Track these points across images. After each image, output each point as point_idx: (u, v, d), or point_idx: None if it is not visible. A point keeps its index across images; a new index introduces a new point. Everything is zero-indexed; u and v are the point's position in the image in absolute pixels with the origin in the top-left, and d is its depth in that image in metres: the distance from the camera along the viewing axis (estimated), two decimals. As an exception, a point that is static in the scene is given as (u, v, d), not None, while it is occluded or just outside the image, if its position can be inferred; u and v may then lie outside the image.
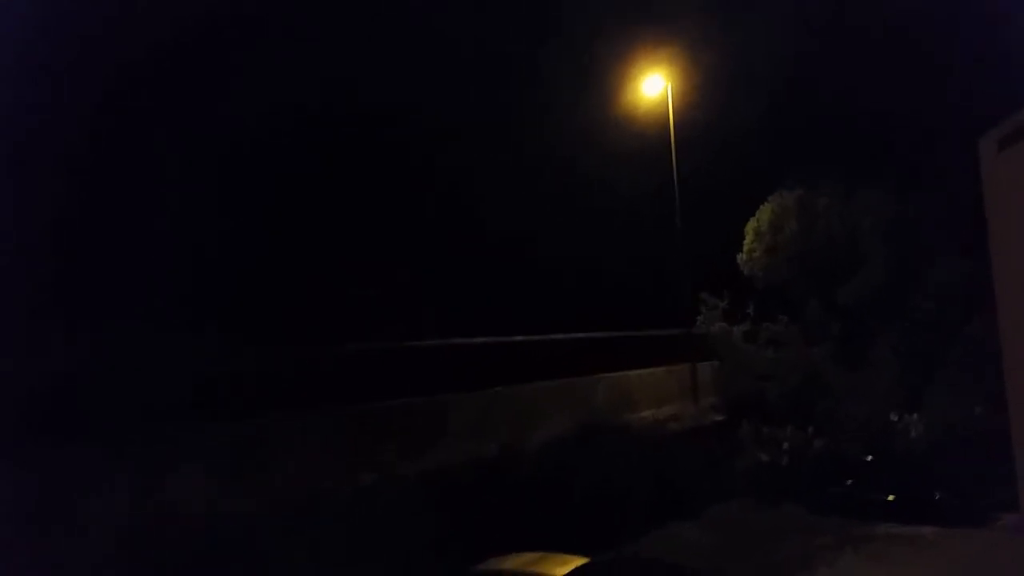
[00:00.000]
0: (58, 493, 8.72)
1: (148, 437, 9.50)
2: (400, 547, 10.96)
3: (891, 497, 15.37)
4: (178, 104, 13.05)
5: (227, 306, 11.64)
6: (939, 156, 19.09)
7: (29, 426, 8.51)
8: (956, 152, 18.34)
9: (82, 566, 8.52)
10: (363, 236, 16.45)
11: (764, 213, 22.18)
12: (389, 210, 17.65)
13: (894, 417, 17.24)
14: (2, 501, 8.22)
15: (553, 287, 20.90)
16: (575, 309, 20.29)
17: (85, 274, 10.71)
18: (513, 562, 10.84)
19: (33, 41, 10.89)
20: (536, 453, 14.97)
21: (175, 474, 9.66)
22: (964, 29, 20.36)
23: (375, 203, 17.33)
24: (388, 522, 11.15)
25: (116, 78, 12.15)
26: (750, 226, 22.42)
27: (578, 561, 10.48)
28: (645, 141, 23.07)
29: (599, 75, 23.38)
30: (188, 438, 10.00)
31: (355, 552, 10.52)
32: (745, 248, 22.34)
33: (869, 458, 16.59)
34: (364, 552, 10.59)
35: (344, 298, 13.28)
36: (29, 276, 10.02)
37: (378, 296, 14.04)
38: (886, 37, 22.52)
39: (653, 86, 22.42)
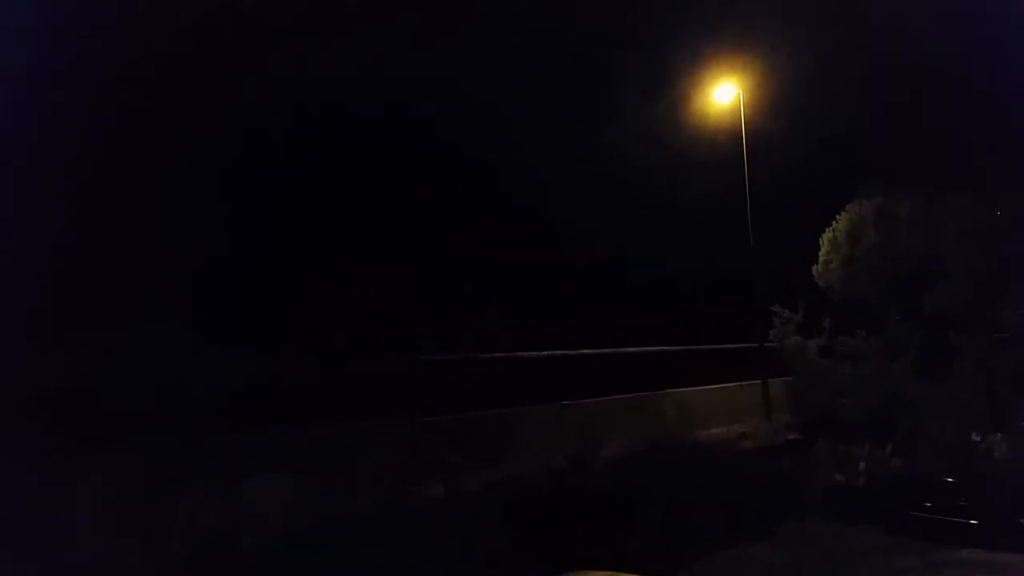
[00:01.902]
0: (137, 501, 9.15)
1: (225, 445, 9.94)
2: (467, 559, 11.13)
3: (974, 521, 14.73)
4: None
5: (300, 315, 12.02)
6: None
7: (99, 434, 8.93)
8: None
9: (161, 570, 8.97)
10: (434, 248, 16.72)
11: (841, 223, 21.53)
12: (458, 221, 17.86)
13: (976, 437, 16.50)
14: (81, 509, 8.69)
15: (623, 299, 20.83)
16: (645, 322, 20.18)
17: (130, 281, 11.08)
18: (579, 579, 10.86)
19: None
20: (604, 468, 14.97)
21: (251, 481, 10.10)
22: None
23: (444, 214, 17.58)
24: (456, 534, 11.34)
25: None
26: (826, 236, 21.80)
27: (645, 581, 10.43)
28: (717, 150, 22.86)
29: (672, 83, 23.30)
30: (263, 446, 10.41)
31: (424, 562, 10.74)
32: (821, 259, 21.72)
33: (950, 479, 15.92)
34: (432, 562, 10.80)
35: (414, 310, 13.57)
36: (76, 283, 10.43)
37: (448, 308, 14.29)
38: (968, 40, 21.70)
39: (725, 94, 22.23)
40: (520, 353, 15.60)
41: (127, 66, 12.45)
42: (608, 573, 11.24)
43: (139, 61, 12.55)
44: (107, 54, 12.22)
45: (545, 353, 16.27)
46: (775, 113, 22.91)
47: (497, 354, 15.00)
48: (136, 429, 9.22)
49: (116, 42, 12.39)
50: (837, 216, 21.63)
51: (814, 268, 21.74)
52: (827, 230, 21.77)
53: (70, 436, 8.68)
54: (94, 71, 12.04)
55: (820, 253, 21.76)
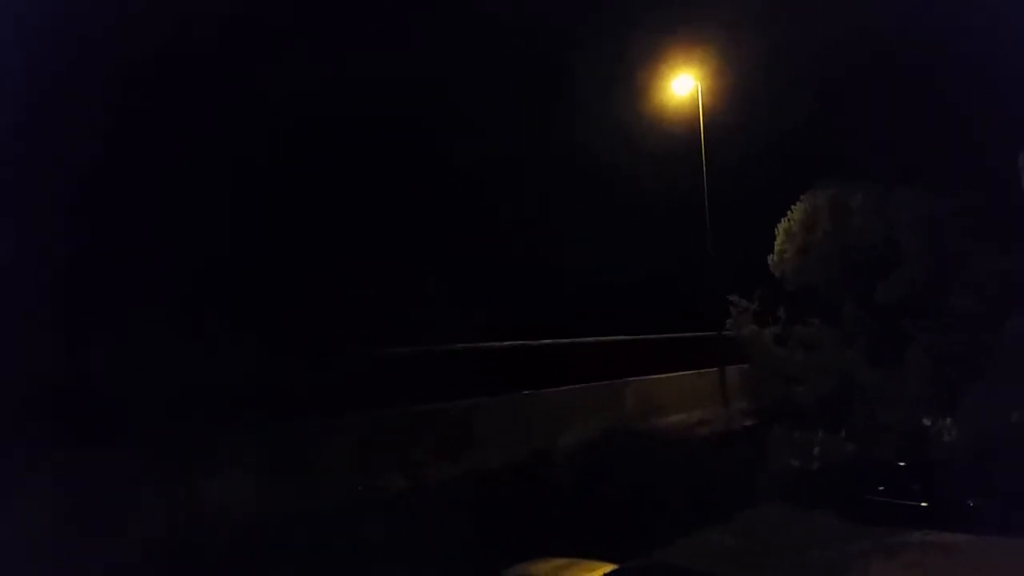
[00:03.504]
0: (98, 495, 8.91)
1: (187, 441, 9.70)
2: (430, 551, 11.05)
3: (925, 504, 15.15)
4: (191, 103, 13.14)
5: (255, 311, 11.79)
6: (976, 153, 18.79)
7: (65, 430, 8.69)
8: (993, 149, 18.08)
9: (123, 566, 8.75)
10: (388, 239, 16.55)
11: (796, 213, 21.89)
12: (413, 212, 17.71)
13: (927, 421, 16.97)
14: (41, 503, 8.43)
15: (580, 289, 20.85)
16: (603, 311, 20.23)
17: (109, 279, 10.88)
18: (541, 568, 10.88)
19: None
20: (565, 458, 15.00)
21: (210, 478, 9.87)
22: (1006, 32, 19.95)
23: (399, 205, 17.41)
24: (418, 527, 11.25)
25: (128, 78, 12.24)
26: (781, 226, 22.14)
27: (607, 567, 10.49)
28: (675, 141, 22.99)
29: (630, 74, 23.34)
30: (224, 441, 10.18)
31: (387, 555, 10.64)
32: (776, 249, 22.07)
33: (902, 463, 16.35)
34: (395, 555, 10.70)
35: (370, 302, 13.39)
36: (58, 282, 10.21)
37: (404, 300, 14.14)
38: (924, 38, 22.17)
39: (683, 86, 22.34)
40: (481, 344, 15.49)
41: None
42: (568, 560, 11.32)
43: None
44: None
45: (506, 343, 16.19)
46: (733, 105, 23.13)
47: (458, 345, 14.88)
48: (91, 424, 8.96)
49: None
50: (792, 207, 21.99)
51: (769, 258, 22.07)
52: (783, 220, 22.12)
53: (23, 431, 8.41)
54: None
55: (775, 243, 22.10)
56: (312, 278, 13.60)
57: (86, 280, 10.49)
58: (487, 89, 19.95)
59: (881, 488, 16.09)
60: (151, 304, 10.35)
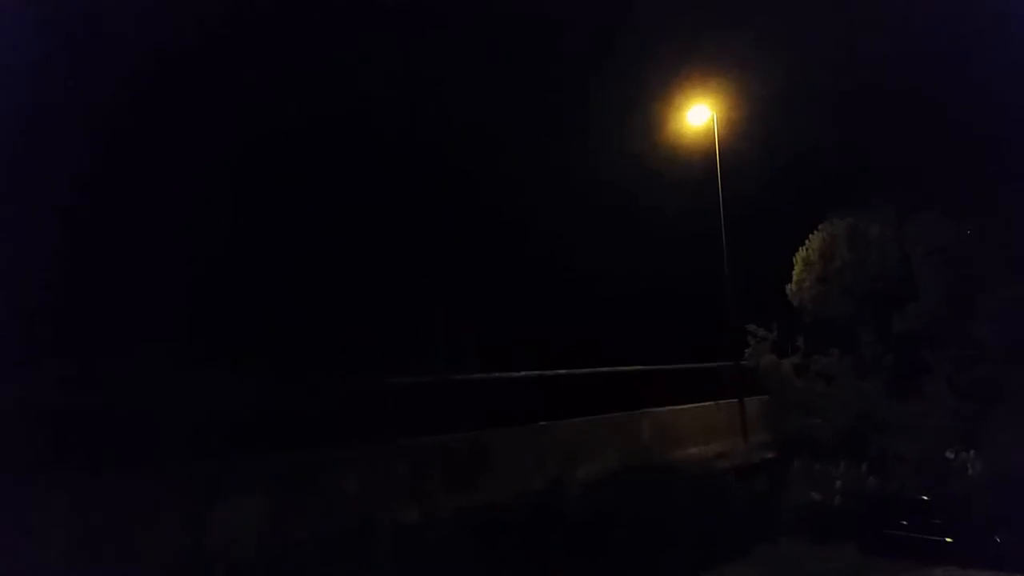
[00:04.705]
0: (109, 522, 8.93)
1: (196, 469, 9.74)
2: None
3: (948, 539, 14.80)
4: (200, 118, 13.29)
5: (267, 336, 11.87)
6: (994, 178, 18.62)
7: (76, 457, 8.76)
8: (1011, 173, 17.91)
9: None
10: (405, 267, 16.63)
11: (814, 242, 21.82)
12: (429, 239, 17.80)
13: (950, 454, 16.64)
14: (53, 529, 8.47)
15: (596, 317, 20.82)
16: (619, 340, 20.16)
17: (115, 303, 10.99)
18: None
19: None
20: (580, 490, 14.85)
21: (222, 506, 9.88)
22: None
23: (416, 232, 17.51)
24: (430, 559, 11.18)
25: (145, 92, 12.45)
26: (799, 256, 22.07)
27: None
28: (692, 169, 23.04)
29: (648, 104, 23.51)
30: (233, 470, 10.19)
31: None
32: (794, 278, 21.97)
33: (924, 497, 16.01)
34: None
35: (385, 330, 13.45)
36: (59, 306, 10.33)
37: (419, 328, 14.19)
38: (941, 64, 22.12)
39: (700, 115, 22.45)
40: (496, 374, 15.46)
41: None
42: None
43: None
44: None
45: (521, 373, 16.14)
46: (749, 134, 23.18)
47: (472, 375, 14.87)
48: (104, 451, 9.02)
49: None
50: (810, 236, 21.89)
51: (788, 287, 21.95)
52: (800, 249, 22.02)
53: (36, 457, 8.49)
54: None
55: (793, 272, 21.99)
56: (325, 304, 13.67)
57: (94, 305, 10.61)
58: (503, 117, 20.13)
59: (903, 522, 15.74)
60: (159, 328, 10.45)
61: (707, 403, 20.79)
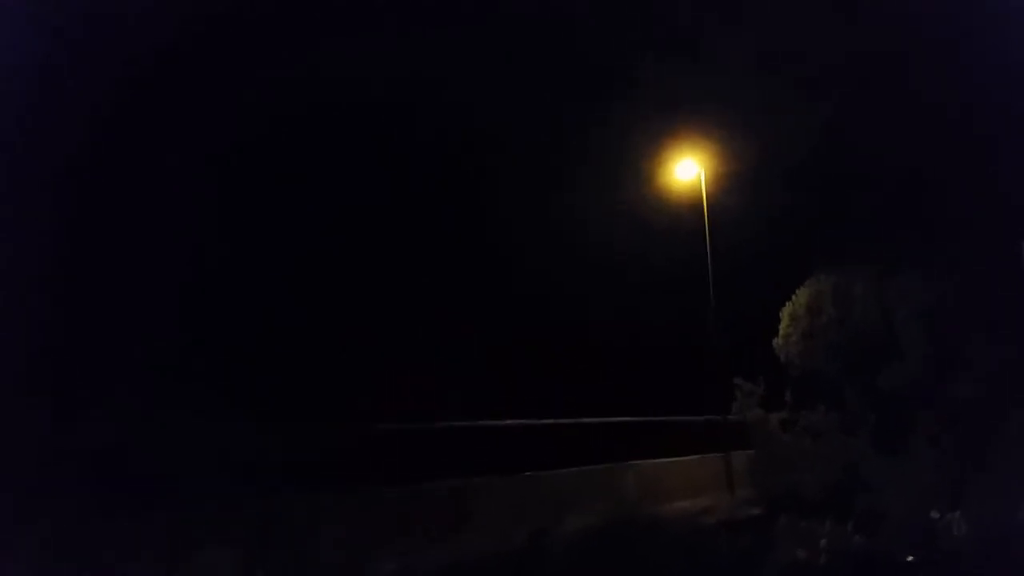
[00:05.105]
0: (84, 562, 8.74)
1: (165, 516, 9.56)
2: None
3: (935, 601, 14.60)
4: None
5: (243, 381, 11.77)
6: (975, 241, 18.88)
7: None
8: (992, 236, 18.17)
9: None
10: (390, 312, 16.63)
11: (800, 297, 21.95)
12: (414, 286, 17.85)
13: (935, 514, 16.50)
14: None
15: (585, 368, 20.80)
16: (607, 392, 20.12)
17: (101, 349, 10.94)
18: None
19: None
20: (565, 545, 14.62)
21: (192, 555, 9.67)
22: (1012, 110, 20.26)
23: (401, 278, 17.56)
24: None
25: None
26: (786, 310, 22.17)
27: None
28: (679, 223, 23.33)
29: (638, 158, 23.90)
30: (205, 518, 10.01)
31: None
32: (781, 332, 22.03)
33: (910, 558, 15.82)
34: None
35: (366, 376, 13.37)
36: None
37: (403, 375, 14.11)
38: (923, 123, 22.61)
39: (687, 170, 22.84)
40: (480, 422, 15.37)
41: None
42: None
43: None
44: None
45: (506, 422, 16.05)
46: (736, 188, 23.55)
47: (456, 422, 14.76)
48: (72, 495, 8.87)
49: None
50: (796, 291, 22.05)
51: (774, 341, 22.01)
52: (787, 304, 22.16)
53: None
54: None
55: (780, 327, 22.07)
56: (303, 347, 13.60)
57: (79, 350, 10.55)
58: (491, 165, 20.40)
59: (890, 583, 15.54)
60: (137, 371, 10.38)
61: (693, 456, 20.68)
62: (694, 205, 22.78)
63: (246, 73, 14.64)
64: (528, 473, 15.59)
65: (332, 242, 15.99)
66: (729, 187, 23.16)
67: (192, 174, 13.29)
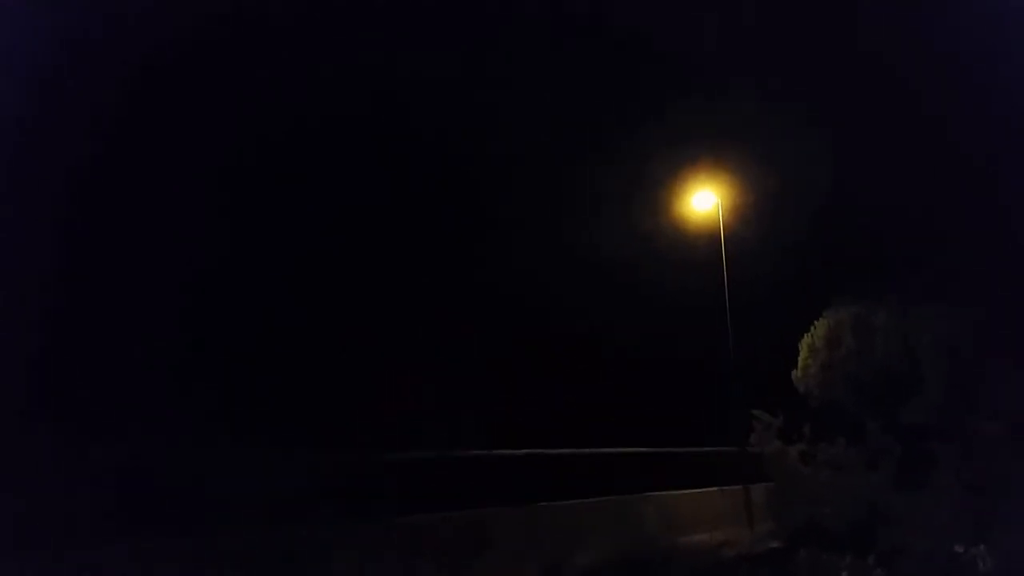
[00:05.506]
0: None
1: (175, 545, 9.59)
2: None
3: (957, 638, 14.27)
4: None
5: (256, 410, 11.81)
6: (997, 272, 18.71)
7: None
8: (1015, 268, 18.01)
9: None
10: (407, 340, 16.68)
11: (819, 328, 21.83)
12: (430, 314, 17.90)
13: (959, 549, 16.18)
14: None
15: (603, 399, 20.73)
16: (625, 422, 20.03)
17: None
18: None
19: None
20: (581, 578, 14.49)
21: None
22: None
23: (421, 306, 17.63)
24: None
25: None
26: (805, 341, 22.05)
27: None
28: (697, 253, 23.34)
29: (656, 188, 24.02)
30: (221, 545, 10.02)
31: None
32: (800, 364, 21.88)
33: (934, 592, 15.51)
34: None
35: (380, 405, 13.38)
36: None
37: (419, 404, 14.13)
38: (943, 155, 22.56)
39: (704, 201, 22.89)
40: (494, 451, 15.31)
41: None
42: None
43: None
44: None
45: (521, 452, 15.98)
46: (754, 219, 23.57)
47: (471, 452, 14.72)
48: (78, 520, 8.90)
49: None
50: (815, 322, 21.92)
51: (793, 373, 21.85)
52: (805, 335, 22.01)
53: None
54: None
55: (799, 358, 21.91)
56: (316, 376, 13.63)
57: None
58: (510, 195, 20.58)
59: (913, 620, 15.22)
60: (154, 396, 10.45)
61: (712, 488, 20.46)
62: (712, 236, 22.78)
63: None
64: (544, 503, 15.48)
65: (356, 272, 16.13)
66: (746, 217, 23.17)
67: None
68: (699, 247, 23.02)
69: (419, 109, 18.91)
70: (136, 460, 9.56)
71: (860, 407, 20.09)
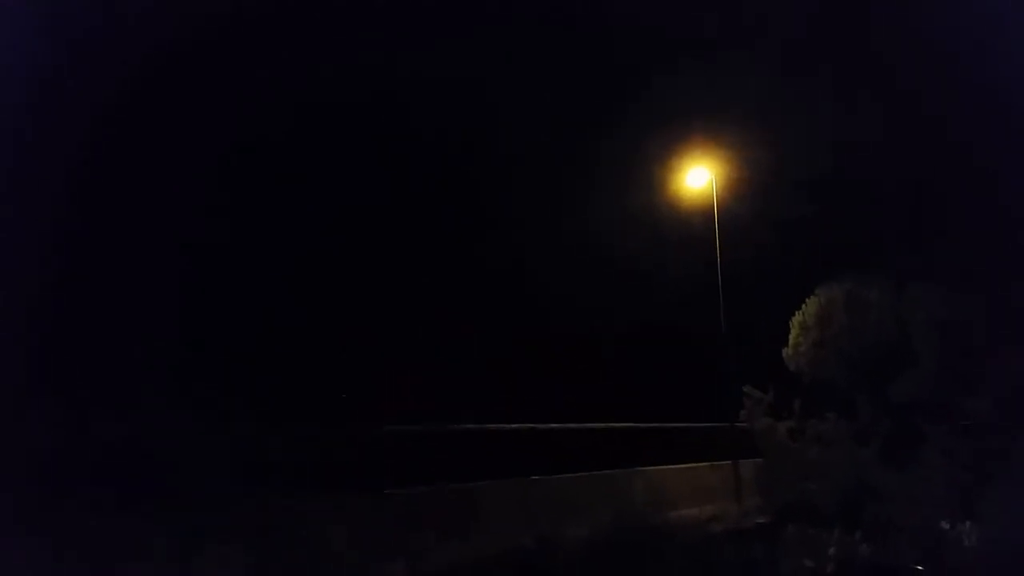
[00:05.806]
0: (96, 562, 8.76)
1: (175, 516, 9.55)
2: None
3: (943, 611, 14.50)
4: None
5: (253, 385, 11.77)
6: (992, 252, 18.76)
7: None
8: (1010, 248, 18.05)
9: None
10: (401, 316, 16.64)
11: (811, 305, 21.82)
12: (428, 288, 17.88)
13: (946, 525, 16.39)
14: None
15: (594, 374, 20.77)
16: (616, 397, 20.09)
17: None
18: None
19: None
20: (572, 549, 14.56)
21: (201, 555, 9.66)
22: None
23: (413, 283, 17.60)
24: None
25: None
26: (796, 319, 22.05)
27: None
28: (690, 230, 23.29)
29: (649, 165, 23.89)
30: (215, 518, 9.99)
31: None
32: (791, 341, 21.91)
33: (919, 567, 15.71)
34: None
35: (376, 379, 13.36)
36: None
37: (413, 378, 14.10)
38: (940, 133, 22.51)
39: (698, 177, 22.78)
40: (487, 425, 15.33)
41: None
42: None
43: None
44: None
45: (513, 426, 16.01)
46: (747, 196, 23.50)
47: (465, 425, 14.73)
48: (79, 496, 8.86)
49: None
50: (807, 299, 21.94)
51: (784, 350, 21.90)
52: (797, 312, 22.04)
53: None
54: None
55: (790, 335, 21.95)
56: (312, 350, 13.60)
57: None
58: (503, 172, 20.45)
59: (898, 593, 15.45)
60: (150, 375, 10.38)
61: (701, 464, 20.57)
62: (705, 212, 22.70)
63: (248, 73, 14.66)
64: (536, 477, 15.53)
65: (349, 249, 16.05)
66: (740, 194, 23.09)
67: (208, 179, 13.32)
68: (693, 224, 22.96)
69: (405, 85, 18.71)
70: (134, 437, 9.49)
71: (851, 384, 20.18)
